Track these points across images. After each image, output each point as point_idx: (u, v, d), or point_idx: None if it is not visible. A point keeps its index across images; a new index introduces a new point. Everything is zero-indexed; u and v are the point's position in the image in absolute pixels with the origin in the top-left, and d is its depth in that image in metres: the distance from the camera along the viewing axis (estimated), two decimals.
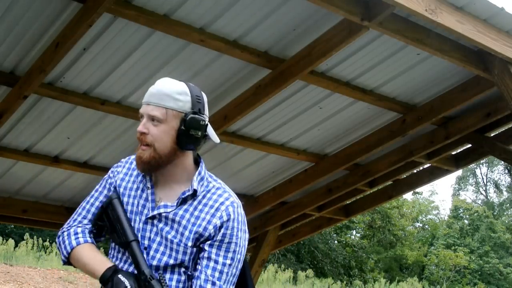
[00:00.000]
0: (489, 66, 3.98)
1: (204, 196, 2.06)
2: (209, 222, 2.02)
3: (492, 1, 3.53)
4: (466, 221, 30.76)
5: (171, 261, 2.02)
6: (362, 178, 5.68)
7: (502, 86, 3.94)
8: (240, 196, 6.10)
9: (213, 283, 1.98)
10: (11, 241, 16.60)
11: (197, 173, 2.09)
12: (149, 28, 3.66)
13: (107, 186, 2.18)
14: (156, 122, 2.01)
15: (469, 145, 5.53)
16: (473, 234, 29.30)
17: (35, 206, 5.68)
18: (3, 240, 16.86)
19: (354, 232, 27.09)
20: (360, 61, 4.23)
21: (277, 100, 4.56)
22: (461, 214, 31.59)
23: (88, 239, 2.13)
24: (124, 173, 2.17)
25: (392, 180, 6.09)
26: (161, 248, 2.03)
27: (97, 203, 2.17)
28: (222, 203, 2.05)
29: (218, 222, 2.01)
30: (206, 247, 2.01)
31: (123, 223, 2.05)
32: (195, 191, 2.05)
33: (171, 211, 2.04)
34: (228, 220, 2.03)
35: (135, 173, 2.15)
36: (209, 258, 2.00)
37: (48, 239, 17.63)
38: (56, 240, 2.18)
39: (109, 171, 2.22)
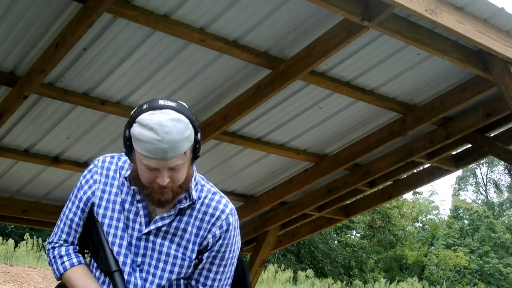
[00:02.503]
0: (489, 66, 3.98)
1: (202, 203, 2.00)
2: (209, 231, 1.98)
3: (492, 1, 3.53)
4: (466, 221, 30.76)
5: (174, 277, 1.98)
6: (362, 178, 5.68)
7: (502, 86, 3.94)
8: (240, 196, 6.13)
9: None
10: (11, 241, 16.59)
11: (192, 179, 1.98)
12: (149, 28, 3.66)
13: (83, 198, 2.04)
14: (177, 168, 1.87)
15: (469, 145, 5.53)
16: (473, 234, 29.30)
17: (35, 206, 5.69)
18: (3, 240, 16.86)
19: (354, 232, 27.09)
20: (360, 61, 4.23)
21: (277, 100, 4.56)
22: (461, 214, 31.59)
23: (75, 260, 2.05)
24: (104, 183, 2.03)
25: (392, 180, 6.09)
26: (161, 265, 1.97)
27: (76, 219, 2.05)
28: (222, 211, 2.00)
29: (218, 232, 1.98)
30: (204, 259, 1.98)
31: (106, 250, 1.96)
32: (194, 201, 1.98)
33: (169, 222, 1.96)
34: (227, 230, 1.99)
35: (116, 182, 2.02)
36: (209, 270, 1.99)
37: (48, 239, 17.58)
38: (46, 254, 2.11)
39: (83, 179, 2.07)
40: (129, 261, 1.97)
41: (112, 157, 2.08)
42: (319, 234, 22.13)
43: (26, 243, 16.94)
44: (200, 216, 1.98)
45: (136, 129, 1.83)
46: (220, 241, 1.99)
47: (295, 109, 4.76)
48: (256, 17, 3.73)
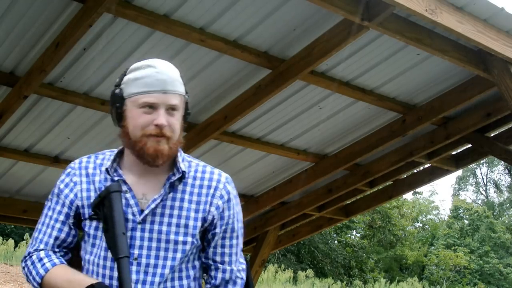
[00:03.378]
0: (489, 66, 3.97)
1: (194, 178, 1.92)
2: (210, 204, 1.89)
3: (492, 1, 3.53)
4: (466, 221, 30.78)
5: (177, 263, 1.86)
6: (362, 178, 5.68)
7: (502, 86, 3.94)
8: (240, 196, 6.10)
9: (231, 271, 1.96)
10: (11, 241, 16.62)
11: (179, 154, 1.91)
12: (149, 28, 3.66)
13: (66, 202, 1.91)
14: (173, 112, 1.84)
15: (469, 145, 5.53)
16: (473, 234, 29.31)
17: (35, 206, 5.68)
18: (3, 240, 16.89)
19: (354, 232, 27.11)
20: (360, 61, 4.23)
21: (277, 100, 4.55)
22: (461, 214, 31.61)
23: (56, 261, 1.87)
24: (87, 182, 1.92)
25: (392, 180, 6.09)
26: (161, 254, 1.84)
27: (57, 225, 1.90)
28: (218, 181, 1.93)
29: (220, 203, 1.91)
30: (216, 235, 1.90)
31: (116, 232, 1.76)
32: (183, 173, 1.89)
33: (161, 200, 1.85)
34: (229, 199, 1.94)
35: (97, 178, 1.92)
36: (222, 246, 1.93)
37: None
38: (22, 272, 1.90)
39: (61, 183, 1.94)
40: None
41: (89, 157, 2.01)
42: (319, 234, 22.15)
43: (26, 243, 16.95)
44: (196, 190, 1.90)
45: (130, 75, 1.86)
46: (226, 213, 1.92)
47: (295, 109, 4.76)
48: (256, 17, 3.73)
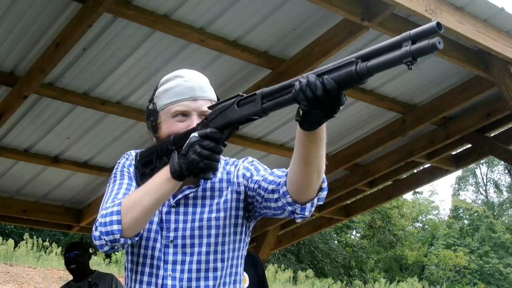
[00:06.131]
0: (489, 66, 3.98)
1: (226, 163, 1.99)
2: (237, 176, 1.93)
3: (492, 1, 3.53)
4: (466, 221, 30.78)
5: (212, 240, 1.86)
6: (362, 178, 5.69)
7: (502, 86, 3.95)
8: None
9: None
10: (11, 241, 16.61)
11: None
12: (149, 28, 3.66)
13: (132, 177, 1.94)
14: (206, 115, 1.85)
15: (469, 145, 5.53)
16: (473, 234, 29.32)
17: (35, 206, 5.69)
18: (3, 240, 16.87)
19: (354, 232, 27.11)
20: None
21: None
22: (461, 214, 31.61)
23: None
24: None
25: (392, 180, 6.09)
26: (196, 233, 1.85)
27: (132, 189, 1.89)
28: (243, 161, 2.00)
29: (244, 171, 1.93)
30: (255, 177, 1.89)
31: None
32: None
33: (196, 188, 1.89)
34: (239, 161, 1.99)
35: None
36: (257, 170, 1.93)
37: (48, 239, 17.64)
38: (96, 234, 1.77)
39: (124, 165, 1.98)
40: (160, 237, 1.86)
41: (137, 150, 2.06)
42: (319, 234, 22.14)
43: (26, 243, 16.95)
44: (226, 171, 1.96)
45: (161, 88, 1.92)
46: (241, 164, 1.97)
47: (295, 109, 4.75)
48: (256, 17, 3.73)
